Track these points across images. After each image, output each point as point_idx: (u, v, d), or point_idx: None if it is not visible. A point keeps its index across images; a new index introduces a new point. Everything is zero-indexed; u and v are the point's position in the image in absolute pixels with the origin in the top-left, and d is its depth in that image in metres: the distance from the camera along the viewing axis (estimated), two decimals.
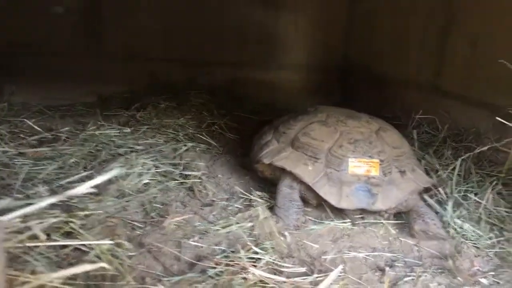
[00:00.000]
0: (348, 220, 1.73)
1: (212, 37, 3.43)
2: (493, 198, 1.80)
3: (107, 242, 1.22)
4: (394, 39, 3.01)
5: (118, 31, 3.26)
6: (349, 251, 1.55)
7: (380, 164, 1.70)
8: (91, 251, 1.22)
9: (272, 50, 3.59)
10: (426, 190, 1.84)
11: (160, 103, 2.91)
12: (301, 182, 1.71)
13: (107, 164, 1.81)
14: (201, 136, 2.42)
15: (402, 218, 1.76)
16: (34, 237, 1.13)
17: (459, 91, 2.44)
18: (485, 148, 1.96)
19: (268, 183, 1.93)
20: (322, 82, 3.68)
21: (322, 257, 1.50)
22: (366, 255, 1.53)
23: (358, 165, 1.68)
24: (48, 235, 1.21)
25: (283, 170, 1.76)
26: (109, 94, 3.20)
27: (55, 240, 1.19)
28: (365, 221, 1.74)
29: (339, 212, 1.73)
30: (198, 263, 1.32)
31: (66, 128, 2.22)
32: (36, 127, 2.17)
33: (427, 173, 1.98)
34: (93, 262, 1.17)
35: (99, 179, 0.97)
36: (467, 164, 2.06)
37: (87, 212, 1.38)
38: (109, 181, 1.61)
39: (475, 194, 1.83)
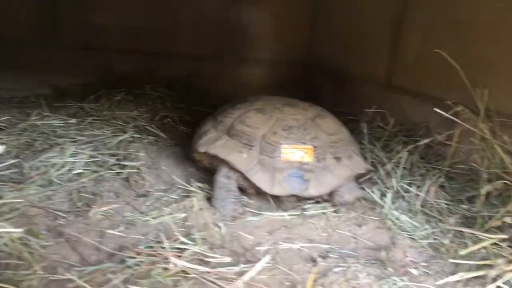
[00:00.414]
0: (288, 212, 1.70)
1: (172, 29, 3.37)
2: (435, 191, 1.80)
3: (16, 230, 1.16)
4: (352, 35, 3.00)
5: (75, 21, 3.17)
6: (285, 242, 1.51)
7: (313, 150, 1.69)
8: (1, 239, 1.16)
9: (235, 44, 3.54)
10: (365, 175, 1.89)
11: (115, 96, 2.84)
12: (237, 171, 1.68)
13: (40, 154, 1.75)
14: (151, 129, 2.37)
15: (343, 210, 1.74)
16: None
17: (411, 86, 2.43)
18: (427, 141, 1.96)
19: (210, 174, 1.90)
20: (286, 78, 3.65)
21: (256, 248, 1.47)
22: (301, 247, 1.50)
23: (291, 152, 1.67)
24: None
25: (220, 160, 1.72)
26: (65, 86, 3.12)
27: None
28: (307, 212, 1.72)
29: (277, 200, 1.73)
30: (118, 253, 1.27)
31: (6, 117, 2.14)
32: None
33: (372, 163, 1.99)
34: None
35: None
36: (414, 157, 2.06)
37: (4, 201, 1.32)
38: (36, 169, 1.55)
39: (418, 187, 1.82)
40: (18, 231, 1.16)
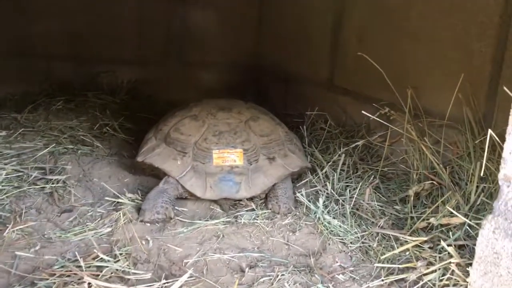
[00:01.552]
0: (221, 220, 1.67)
1: (116, 34, 3.28)
2: (369, 193, 1.80)
3: None
4: (297, 38, 3.00)
5: (11, 28, 3.04)
6: (215, 253, 1.48)
7: (244, 153, 1.76)
8: None
9: (181, 48, 3.48)
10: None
11: (54, 105, 2.74)
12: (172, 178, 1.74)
13: None
14: (87, 139, 2.29)
15: (278, 217, 1.72)
16: None
17: (351, 87, 2.44)
18: (362, 142, 1.96)
19: (147, 183, 1.87)
20: (235, 81, 3.61)
21: (184, 260, 1.43)
22: (231, 257, 1.47)
23: (221, 156, 1.74)
24: None
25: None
26: (2, 96, 2.99)
27: None
28: (241, 220, 1.69)
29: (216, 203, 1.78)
30: (28, 275, 1.20)
31: None
32: None
33: (312, 166, 2.00)
34: None
35: None
36: (353, 159, 2.07)
37: None
38: None
39: (354, 189, 1.83)
40: None
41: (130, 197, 1.73)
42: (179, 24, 3.44)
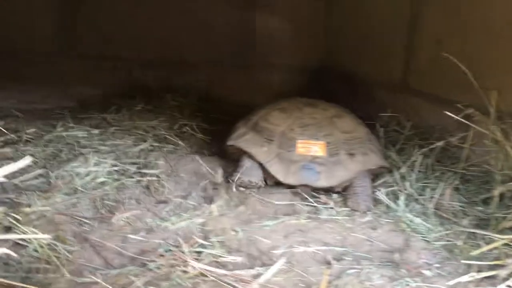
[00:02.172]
0: (303, 216, 1.75)
1: (188, 38, 3.45)
2: (449, 193, 1.82)
3: (45, 236, 1.24)
4: (367, 39, 3.03)
5: (94, 34, 3.27)
6: (300, 245, 1.55)
7: (326, 146, 1.90)
8: (30, 245, 1.24)
9: (251, 51, 3.60)
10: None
11: (135, 106, 2.93)
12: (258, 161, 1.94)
13: (65, 164, 1.83)
14: (170, 137, 2.44)
15: (357, 214, 1.78)
16: None
17: (426, 89, 2.45)
18: (441, 144, 1.97)
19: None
20: (302, 83, 3.69)
21: (272, 251, 1.51)
22: (316, 250, 1.53)
23: (304, 146, 1.89)
24: None
25: (246, 152, 1.99)
26: (86, 98, 3.22)
27: None
28: (322, 216, 1.76)
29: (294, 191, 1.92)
30: (139, 257, 1.33)
31: (32, 130, 2.24)
32: (2, 129, 2.18)
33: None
34: (30, 255, 1.19)
35: (9, 168, 0.98)
36: (429, 160, 2.08)
37: (33, 209, 1.40)
38: (62, 178, 1.63)
39: (433, 189, 1.85)
40: (46, 237, 1.24)
41: (218, 193, 1.84)
42: (249, 28, 3.56)
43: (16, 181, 1.63)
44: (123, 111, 2.84)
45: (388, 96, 2.73)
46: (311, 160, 1.88)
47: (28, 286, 1.02)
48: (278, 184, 1.94)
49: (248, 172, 1.94)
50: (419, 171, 1.99)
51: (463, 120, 1.78)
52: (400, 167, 2.04)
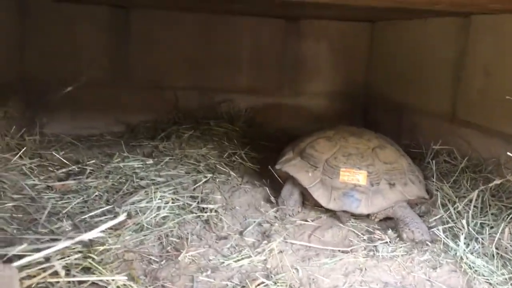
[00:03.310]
0: (360, 254, 1.76)
1: (231, 65, 3.53)
2: (510, 232, 1.80)
3: (122, 278, 1.29)
4: (412, 68, 3.03)
5: (142, 63, 3.39)
6: (361, 285, 1.57)
7: (368, 175, 2.01)
8: (108, 286, 1.29)
9: (293, 77, 3.65)
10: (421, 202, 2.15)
11: (183, 133, 3.00)
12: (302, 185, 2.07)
13: (127, 197, 1.90)
14: (221, 167, 2.49)
15: (415, 252, 1.77)
16: (55, 273, 1.22)
17: (477, 121, 2.43)
18: (501, 180, 1.95)
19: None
20: (344, 110, 3.71)
21: None
22: None
23: (347, 174, 1.99)
24: (68, 270, 1.29)
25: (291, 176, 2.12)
26: (135, 124, 3.33)
27: (74, 276, 1.27)
28: (380, 254, 1.77)
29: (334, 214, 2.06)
30: None
31: (92, 161, 2.33)
32: (64, 160, 2.28)
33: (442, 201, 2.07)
34: None
35: (106, 225, 1.04)
36: (485, 195, 2.06)
37: (106, 247, 1.46)
38: (129, 215, 1.70)
39: (491, 228, 1.83)
40: (122, 279, 1.29)
41: (275, 229, 1.87)
42: (292, 54, 3.61)
43: (85, 216, 1.70)
44: (172, 139, 2.92)
45: (436, 126, 2.72)
46: (353, 188, 1.99)
47: None
48: (316, 206, 2.09)
49: (289, 196, 2.10)
50: (475, 207, 1.98)
51: None
52: (455, 201, 2.03)
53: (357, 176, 2.01)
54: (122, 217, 1.19)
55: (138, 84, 3.42)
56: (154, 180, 2.18)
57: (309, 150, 2.16)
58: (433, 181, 2.21)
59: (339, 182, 2.00)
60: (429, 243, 1.82)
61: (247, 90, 3.60)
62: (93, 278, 1.28)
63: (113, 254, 1.47)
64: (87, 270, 1.34)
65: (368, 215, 2.05)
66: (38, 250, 1.06)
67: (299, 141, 2.29)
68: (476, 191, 1.98)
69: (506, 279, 1.56)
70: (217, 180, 2.31)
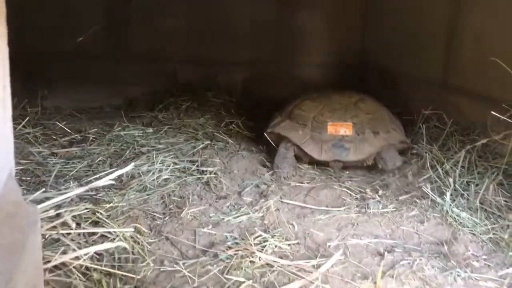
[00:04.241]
0: (353, 210, 1.86)
1: (227, 36, 3.57)
2: (493, 188, 1.90)
3: (129, 229, 1.38)
4: (405, 36, 3.09)
5: (141, 35, 3.43)
6: (352, 238, 1.67)
7: (353, 126, 2.21)
8: (116, 237, 1.39)
9: (288, 48, 3.70)
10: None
11: (181, 104, 3.07)
12: (294, 144, 2.24)
13: (130, 162, 1.98)
14: (219, 135, 2.57)
15: (404, 209, 1.87)
16: (66, 225, 1.31)
17: (467, 86, 2.51)
18: (484, 141, 2.04)
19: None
20: (339, 79, 3.77)
21: (327, 244, 1.63)
22: (368, 242, 1.64)
23: (334, 127, 2.19)
24: (78, 224, 1.38)
25: (282, 136, 2.29)
26: (134, 96, 3.39)
27: (84, 228, 1.36)
28: (371, 210, 1.86)
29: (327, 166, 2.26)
30: (211, 250, 1.47)
31: (94, 129, 2.41)
32: (66, 129, 2.36)
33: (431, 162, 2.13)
34: (117, 247, 1.33)
35: (115, 174, 1.12)
36: (472, 156, 2.15)
37: (112, 205, 1.55)
38: (132, 177, 1.78)
39: (476, 185, 1.93)
40: (129, 230, 1.39)
41: (271, 190, 1.97)
42: (287, 24, 3.66)
43: (90, 179, 1.78)
44: (170, 109, 3.00)
45: (428, 93, 2.80)
46: (341, 139, 2.19)
47: (126, 273, 1.17)
48: (311, 162, 2.28)
49: (283, 160, 2.22)
50: (462, 167, 2.07)
51: (507, 119, 1.85)
52: (443, 162, 2.13)
53: (343, 128, 2.21)
54: (130, 166, 1.27)
55: (135, 55, 3.47)
56: (155, 147, 2.26)
57: (296, 111, 2.33)
58: (423, 144, 2.30)
59: (327, 135, 2.20)
60: (417, 200, 1.91)
61: (243, 61, 3.65)
62: (102, 230, 1.37)
63: (119, 211, 1.56)
64: (95, 223, 1.43)
65: (357, 163, 2.26)
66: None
67: (286, 105, 2.46)
68: (463, 152, 2.08)
69: (488, 229, 1.66)
70: (216, 147, 2.40)
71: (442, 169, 2.08)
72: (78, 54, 3.29)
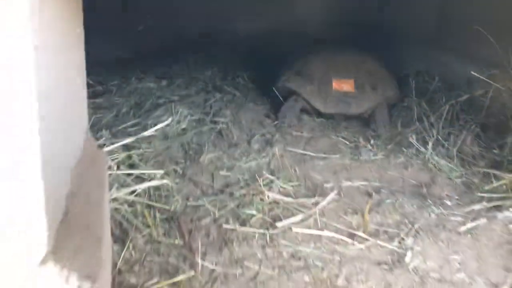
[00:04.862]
0: (347, 157, 2.13)
1: None
2: (470, 140, 2.17)
3: (159, 171, 1.66)
4: None
5: None
6: (346, 181, 1.95)
7: (355, 83, 2.47)
8: (149, 178, 1.67)
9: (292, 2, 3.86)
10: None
11: (188, 59, 3.28)
12: (302, 98, 2.51)
13: (151, 112, 2.24)
14: (226, 88, 2.81)
15: (391, 156, 2.15)
16: (110, 168, 1.58)
17: (455, 46, 2.73)
18: (465, 97, 2.30)
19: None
20: (340, 36, 3.94)
21: (324, 185, 1.91)
22: (359, 184, 1.92)
23: (338, 84, 2.46)
24: (117, 167, 1.65)
25: (291, 91, 2.54)
26: (143, 51, 3.57)
27: (122, 170, 1.63)
28: (363, 157, 2.14)
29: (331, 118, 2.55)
30: (227, 189, 1.75)
31: (115, 82, 2.64)
32: (89, 80, 2.58)
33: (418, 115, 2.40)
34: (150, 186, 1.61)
35: (158, 126, 1.38)
36: (455, 110, 2.41)
37: (141, 151, 1.82)
38: (154, 126, 2.04)
39: (456, 136, 2.20)
40: (159, 172, 1.66)
41: (277, 138, 2.23)
42: None
43: (119, 128, 2.04)
44: (180, 63, 3.20)
45: (419, 51, 3.01)
46: (344, 94, 2.46)
47: (162, 206, 1.46)
48: (318, 115, 2.56)
49: (289, 109, 2.49)
50: (445, 120, 2.34)
51: (485, 79, 2.09)
52: (429, 115, 2.39)
53: (346, 84, 2.47)
54: (168, 121, 1.52)
55: (144, 11, 3.62)
56: (170, 98, 2.50)
57: (304, 68, 2.57)
58: (412, 98, 2.55)
59: (333, 91, 2.46)
60: (404, 149, 2.19)
61: (248, 17, 3.81)
62: (137, 171, 1.64)
63: (149, 156, 1.82)
64: (131, 166, 1.71)
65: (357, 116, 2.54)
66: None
67: (293, 62, 2.68)
68: (447, 106, 2.34)
69: (462, 174, 1.95)
70: (224, 99, 2.64)
71: (428, 121, 2.34)
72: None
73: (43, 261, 0.64)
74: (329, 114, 2.51)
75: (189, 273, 1.24)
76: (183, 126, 2.13)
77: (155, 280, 1.20)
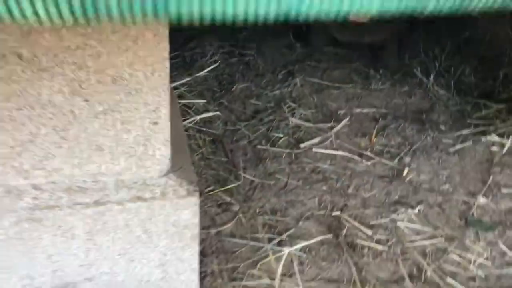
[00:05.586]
0: (358, 87, 2.44)
1: None
2: (469, 72, 2.46)
3: (202, 100, 2.00)
4: None
5: None
6: (357, 108, 2.27)
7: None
8: (192, 106, 2.01)
9: None
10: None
11: None
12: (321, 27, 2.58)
13: (185, 45, 2.53)
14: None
15: (397, 85, 2.46)
16: None
17: None
18: (466, 35, 2.55)
19: None
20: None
21: (338, 111, 2.24)
22: (368, 111, 2.25)
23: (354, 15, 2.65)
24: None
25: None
26: None
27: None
28: (372, 86, 2.45)
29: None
30: (257, 115, 2.10)
31: None
32: None
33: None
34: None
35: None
36: (459, 43, 2.67)
37: (183, 81, 2.14)
38: (190, 58, 2.34)
39: (456, 68, 2.49)
40: (202, 101, 2.00)
41: (297, 69, 2.53)
42: None
43: None
44: None
45: None
46: (360, 24, 2.53)
47: (210, 130, 1.82)
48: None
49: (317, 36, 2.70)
50: (448, 53, 2.61)
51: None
52: (433, 50, 2.65)
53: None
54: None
55: None
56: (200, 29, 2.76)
57: None
58: (420, 32, 2.80)
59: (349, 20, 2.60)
60: (409, 79, 2.48)
61: None
62: (183, 101, 1.98)
63: (188, 88, 2.15)
64: (179, 97, 2.04)
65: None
66: None
67: None
68: (449, 41, 2.60)
69: (457, 102, 2.27)
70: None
71: (433, 54, 2.62)
72: None
73: (166, 174, 1.01)
74: (346, 41, 2.70)
75: (236, 182, 1.63)
76: (215, 58, 2.43)
77: (211, 187, 1.58)
